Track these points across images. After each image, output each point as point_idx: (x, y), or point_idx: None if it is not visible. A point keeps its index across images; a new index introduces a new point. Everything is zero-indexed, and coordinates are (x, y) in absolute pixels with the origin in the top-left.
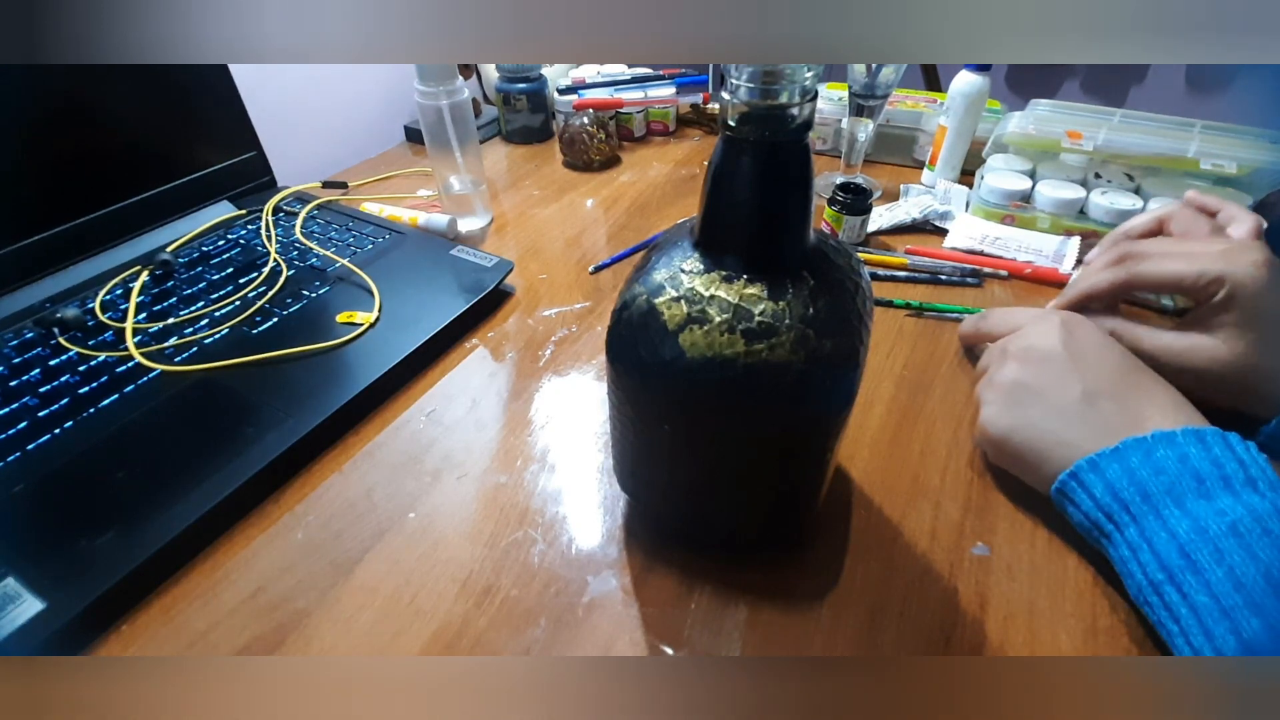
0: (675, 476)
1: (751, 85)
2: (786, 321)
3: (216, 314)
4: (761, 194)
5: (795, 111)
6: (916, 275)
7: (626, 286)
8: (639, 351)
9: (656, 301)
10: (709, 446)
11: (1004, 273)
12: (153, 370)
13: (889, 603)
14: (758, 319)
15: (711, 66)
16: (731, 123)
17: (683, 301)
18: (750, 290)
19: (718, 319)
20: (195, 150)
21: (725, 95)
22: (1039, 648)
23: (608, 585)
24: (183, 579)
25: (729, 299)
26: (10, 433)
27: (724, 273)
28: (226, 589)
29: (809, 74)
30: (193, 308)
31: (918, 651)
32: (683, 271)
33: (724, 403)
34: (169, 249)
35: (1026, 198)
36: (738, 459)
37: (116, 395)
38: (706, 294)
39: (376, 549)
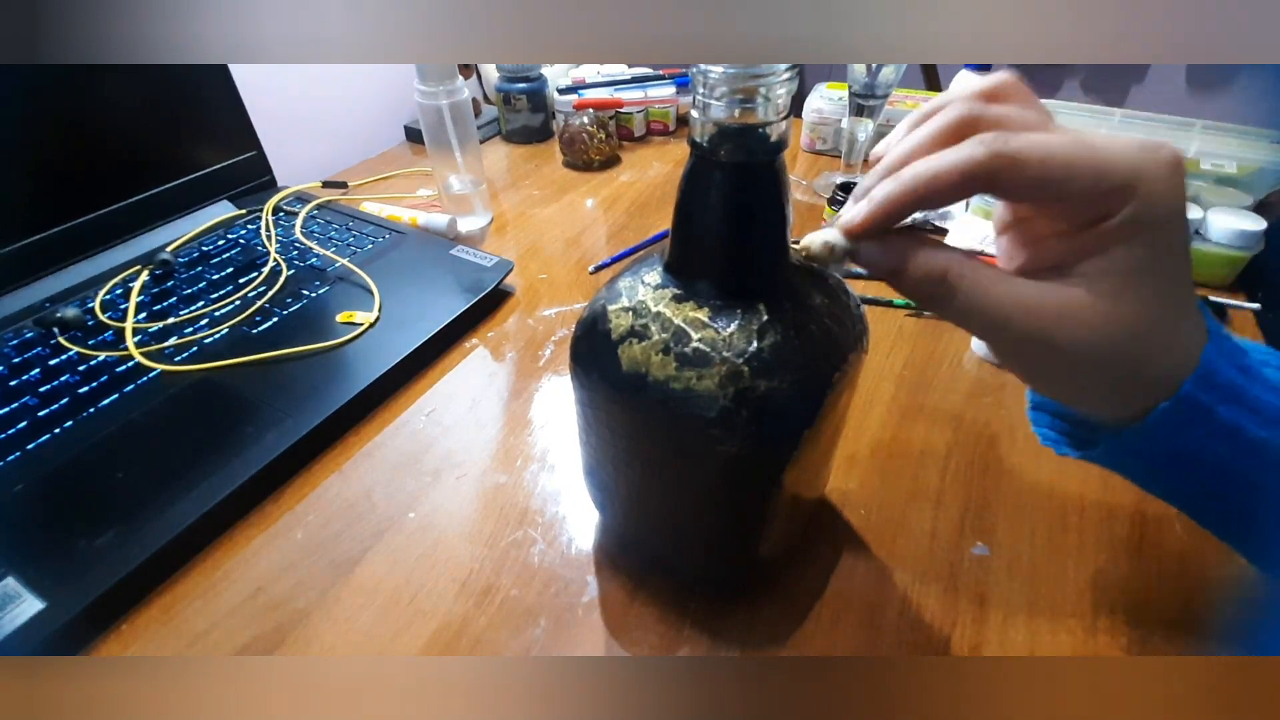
0: (618, 489)
1: (720, 102)
2: (724, 354)
3: (216, 314)
4: (722, 217)
5: (765, 131)
6: None
7: (606, 286)
8: (588, 354)
9: (610, 308)
10: (643, 464)
11: None
12: (152, 370)
13: (889, 603)
14: (694, 345)
15: None
16: (698, 140)
17: (630, 313)
18: (696, 314)
19: (656, 337)
20: (195, 150)
21: (694, 113)
22: (1039, 648)
23: (608, 585)
24: (183, 579)
25: (673, 319)
26: (10, 432)
27: (676, 291)
28: (226, 589)
29: (781, 91)
30: (192, 307)
31: (918, 651)
32: (642, 283)
33: (648, 422)
34: (169, 249)
35: None
36: (663, 484)
37: (116, 395)
38: (654, 310)
39: (376, 549)
